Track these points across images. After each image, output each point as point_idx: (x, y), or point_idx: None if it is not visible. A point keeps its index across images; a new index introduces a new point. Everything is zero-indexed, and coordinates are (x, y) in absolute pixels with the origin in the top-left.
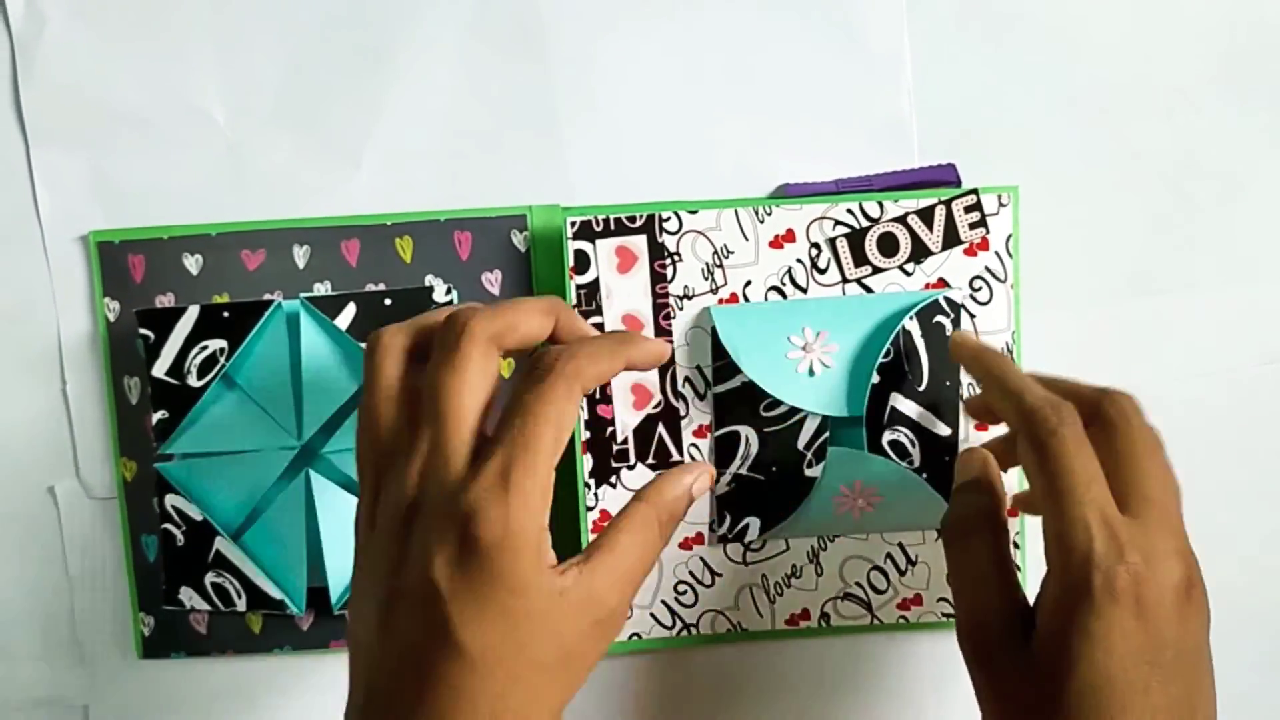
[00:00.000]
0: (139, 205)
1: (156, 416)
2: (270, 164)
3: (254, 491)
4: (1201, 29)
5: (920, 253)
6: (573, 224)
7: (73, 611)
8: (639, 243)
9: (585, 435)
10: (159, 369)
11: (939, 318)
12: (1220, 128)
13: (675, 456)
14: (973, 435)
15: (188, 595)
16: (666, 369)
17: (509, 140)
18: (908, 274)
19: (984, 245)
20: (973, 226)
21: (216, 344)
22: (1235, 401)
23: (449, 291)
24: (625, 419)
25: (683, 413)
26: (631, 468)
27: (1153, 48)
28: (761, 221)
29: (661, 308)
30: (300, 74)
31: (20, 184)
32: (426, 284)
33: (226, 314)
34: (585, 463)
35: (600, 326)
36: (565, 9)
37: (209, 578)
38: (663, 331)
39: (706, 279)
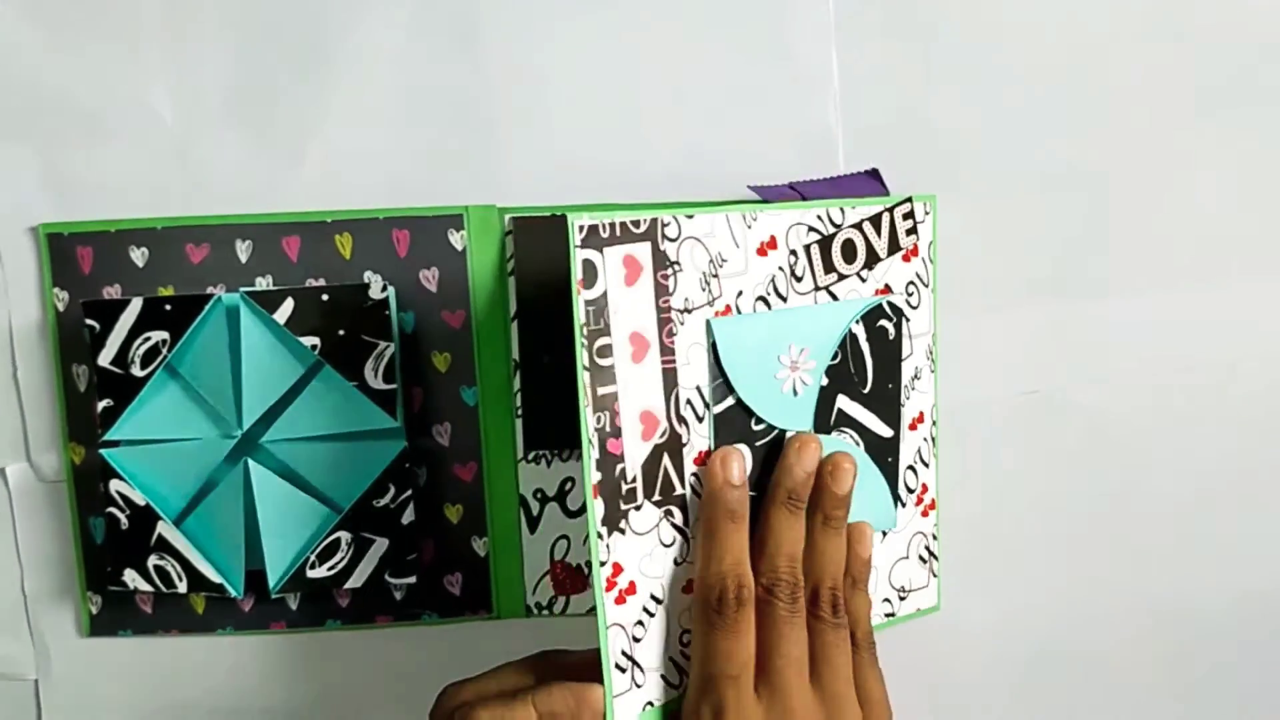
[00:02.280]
0: (88, 198)
1: (102, 404)
2: (216, 160)
3: (195, 478)
4: (1122, 39)
5: (872, 259)
6: (580, 228)
7: (23, 590)
8: (644, 251)
9: (596, 477)
10: (104, 358)
11: (882, 321)
12: (1140, 136)
13: (678, 490)
14: (906, 435)
15: (131, 577)
16: (671, 391)
17: (447, 140)
18: (863, 280)
19: (915, 251)
20: (908, 233)
21: (159, 335)
22: (1153, 408)
23: (385, 289)
24: (634, 452)
25: (684, 439)
26: (639, 508)
27: (1074, 57)
28: (749, 227)
29: (665, 323)
30: (247, 72)
31: None
32: (364, 280)
33: (169, 306)
34: (596, 508)
35: (607, 349)
36: (502, 13)
37: (151, 560)
38: (667, 350)
39: (704, 290)
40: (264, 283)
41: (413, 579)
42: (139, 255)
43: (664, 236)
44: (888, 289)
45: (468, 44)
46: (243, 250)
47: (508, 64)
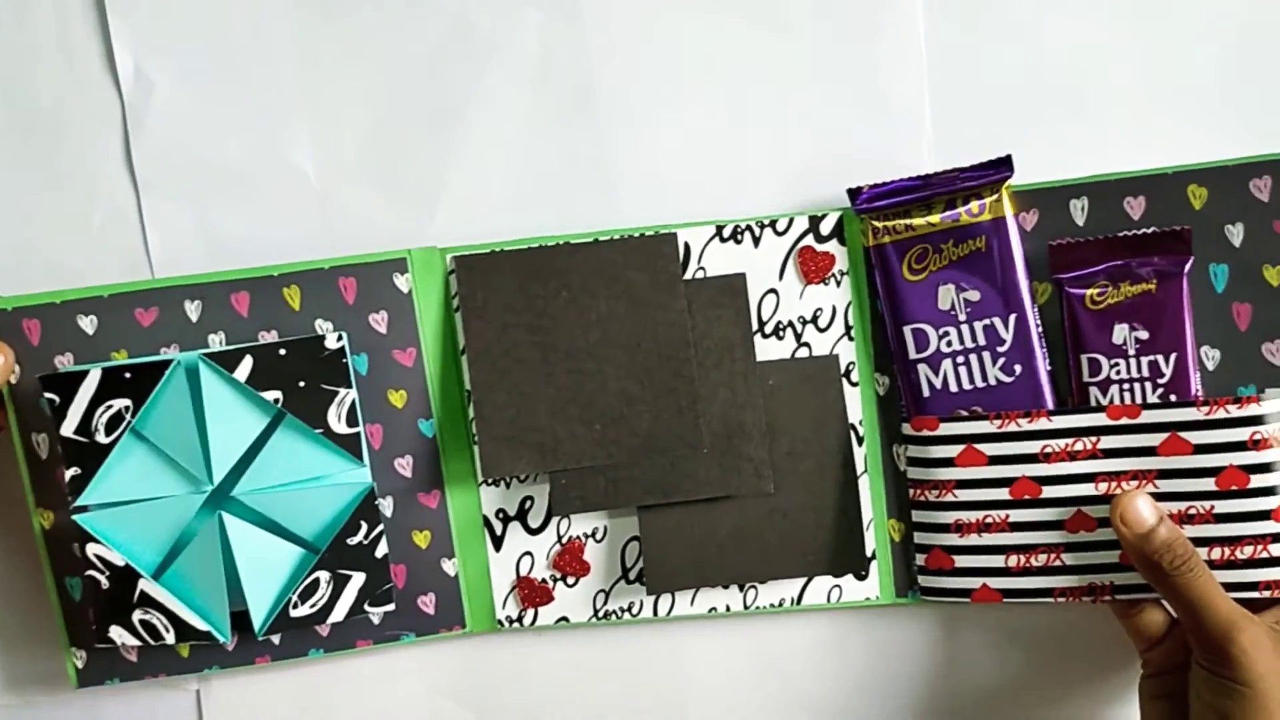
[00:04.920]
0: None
1: (69, 473)
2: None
3: (170, 533)
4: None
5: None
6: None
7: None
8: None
9: None
10: (67, 428)
11: None
12: None
13: None
14: None
15: (118, 633)
16: None
17: (386, 187)
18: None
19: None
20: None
21: (121, 403)
22: None
23: (340, 338)
24: None
25: None
26: None
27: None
28: None
29: None
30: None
31: None
32: (318, 330)
33: (128, 374)
34: None
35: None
36: (439, 68)
37: (137, 615)
38: None
39: None
40: (216, 340)
41: (391, 606)
42: (88, 323)
43: None
44: None
45: (412, 92)
46: (192, 310)
47: (444, 111)
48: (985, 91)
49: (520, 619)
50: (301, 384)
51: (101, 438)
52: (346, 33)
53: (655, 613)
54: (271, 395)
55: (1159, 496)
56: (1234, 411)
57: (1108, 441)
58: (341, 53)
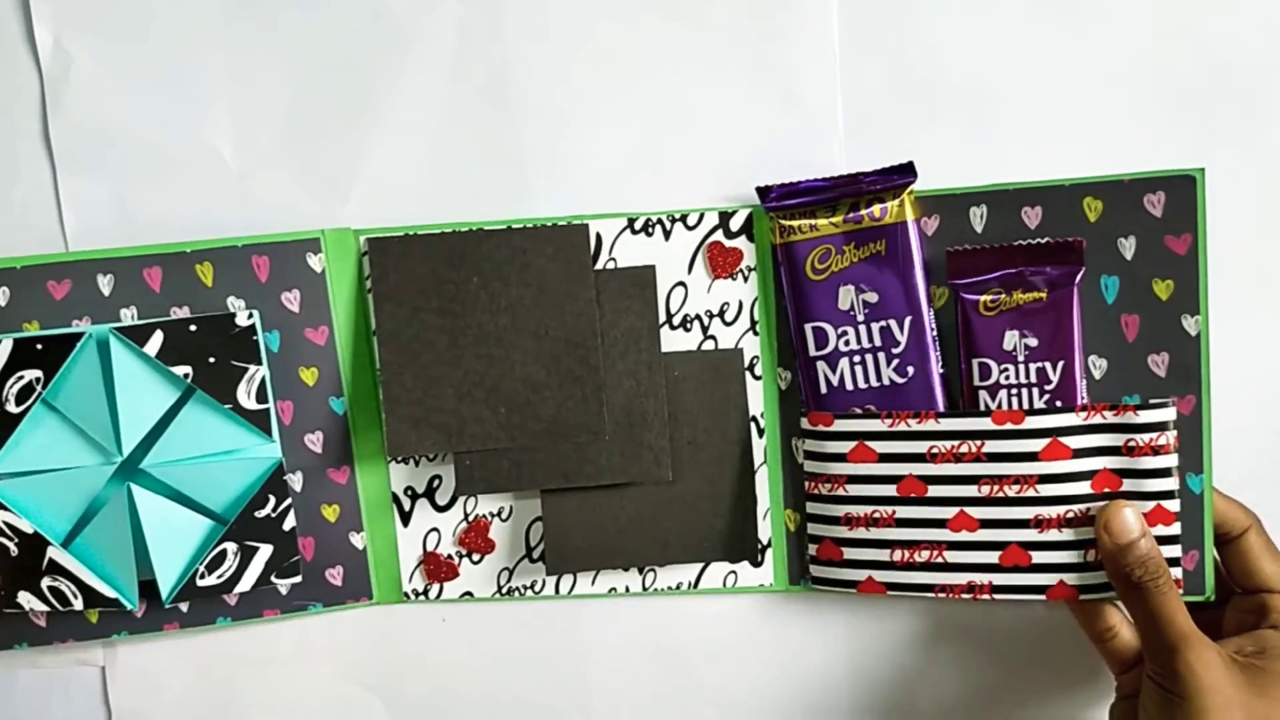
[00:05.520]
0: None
1: None
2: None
3: (79, 503)
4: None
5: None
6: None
7: None
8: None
9: None
10: None
11: None
12: None
13: None
14: None
15: (26, 599)
16: None
17: (302, 169)
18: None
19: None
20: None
21: (32, 374)
22: None
23: (250, 315)
24: None
25: None
26: None
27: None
28: None
29: None
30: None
31: None
32: (229, 307)
33: (39, 345)
34: None
35: None
36: (358, 53)
37: (45, 582)
38: None
39: None
40: (128, 314)
41: (298, 578)
42: (0, 295)
43: None
44: None
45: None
46: (105, 284)
47: (365, 89)
48: (895, 95)
49: (426, 592)
50: (212, 360)
51: (12, 407)
52: (267, 13)
53: (557, 591)
54: (181, 370)
55: (1039, 501)
56: (1110, 418)
57: (992, 445)
58: (261, 34)
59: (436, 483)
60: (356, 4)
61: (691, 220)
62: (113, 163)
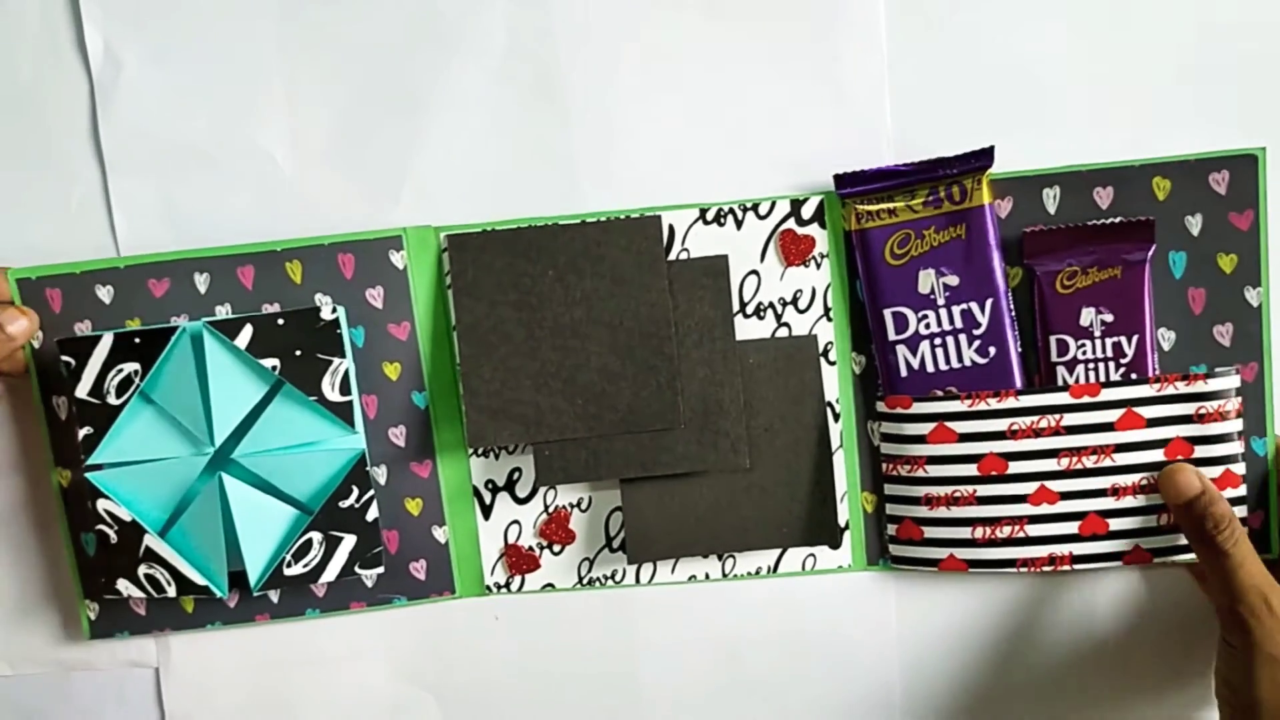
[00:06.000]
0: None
1: (82, 432)
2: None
3: (174, 493)
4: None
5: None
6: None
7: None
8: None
9: None
10: (81, 390)
11: None
12: None
13: None
14: None
15: (124, 585)
16: None
17: (354, 171)
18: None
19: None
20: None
21: (131, 366)
22: None
23: (334, 310)
24: None
25: None
26: None
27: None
28: None
29: None
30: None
31: None
32: (316, 303)
33: (138, 340)
34: None
35: None
36: (410, 44)
37: (142, 569)
38: None
39: None
40: (223, 311)
41: (380, 569)
42: (105, 293)
43: None
44: None
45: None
46: (201, 282)
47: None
48: (956, 83)
49: (508, 585)
50: (298, 353)
51: (113, 399)
52: (318, 15)
53: (638, 580)
54: (270, 363)
55: (1116, 470)
56: (1182, 388)
57: (1070, 419)
58: (312, 36)
59: (516, 475)
60: (406, 5)
61: (763, 209)
62: (162, 166)
